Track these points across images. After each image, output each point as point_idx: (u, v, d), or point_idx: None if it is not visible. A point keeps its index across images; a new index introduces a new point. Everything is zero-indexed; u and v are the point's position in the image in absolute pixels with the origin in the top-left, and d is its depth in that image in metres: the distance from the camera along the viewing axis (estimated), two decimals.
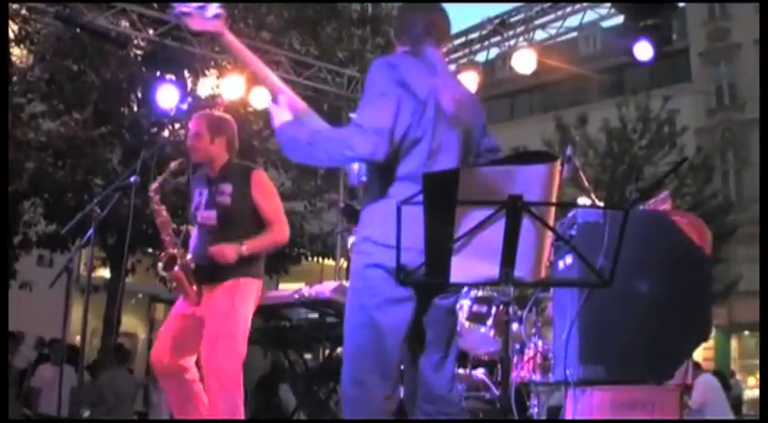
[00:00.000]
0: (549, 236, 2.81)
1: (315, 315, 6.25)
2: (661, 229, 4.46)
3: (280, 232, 4.83)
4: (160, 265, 4.83)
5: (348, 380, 3.09)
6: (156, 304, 18.80)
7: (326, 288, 6.92)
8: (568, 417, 4.30)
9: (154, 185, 4.90)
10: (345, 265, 10.76)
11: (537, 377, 5.35)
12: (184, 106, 10.17)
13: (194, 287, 4.73)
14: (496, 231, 2.66)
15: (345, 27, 13.94)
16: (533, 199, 2.64)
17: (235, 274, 4.66)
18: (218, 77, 10.83)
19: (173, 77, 9.53)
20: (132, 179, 4.91)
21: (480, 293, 5.67)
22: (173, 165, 4.99)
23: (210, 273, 4.68)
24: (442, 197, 2.61)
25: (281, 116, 3.23)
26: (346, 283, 6.90)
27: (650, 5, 8.00)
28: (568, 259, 4.40)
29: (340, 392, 7.50)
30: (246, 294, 4.72)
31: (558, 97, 30.60)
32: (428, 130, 3.12)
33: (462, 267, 2.73)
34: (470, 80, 8.97)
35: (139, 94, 12.56)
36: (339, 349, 6.57)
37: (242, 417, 4.60)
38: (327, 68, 11.20)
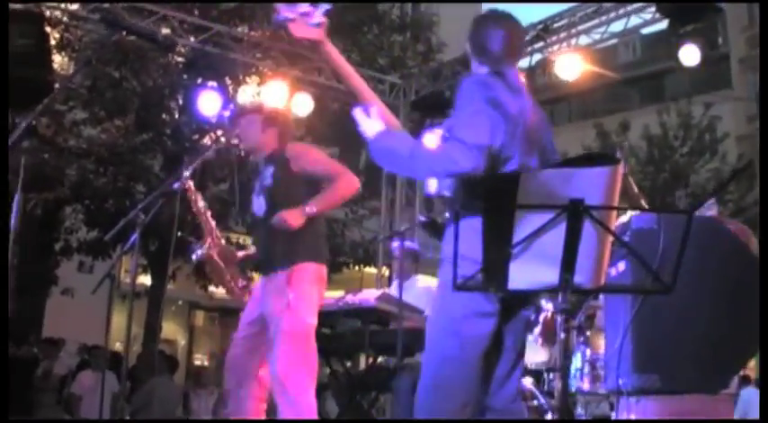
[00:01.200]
0: (610, 241, 2.75)
1: (357, 323, 6.19)
2: (717, 236, 4.33)
3: (344, 181, 4.67)
4: (196, 252, 4.82)
5: (426, 386, 3.15)
6: (196, 311, 18.90)
7: (371, 296, 6.87)
8: None
9: (187, 172, 4.90)
10: (387, 272, 10.72)
11: (585, 386, 5.27)
12: (226, 113, 10.20)
13: (238, 279, 4.71)
14: (556, 236, 2.60)
15: (386, 33, 13.93)
16: (594, 203, 2.59)
17: (288, 262, 4.57)
18: (258, 84, 10.84)
19: (214, 84, 9.52)
20: (176, 185, 4.89)
21: None
22: (208, 153, 5.07)
23: (265, 264, 4.67)
24: (501, 201, 2.55)
25: (374, 126, 3.24)
26: (389, 291, 6.88)
27: (695, 10, 7.89)
28: (621, 266, 4.28)
29: (383, 401, 7.42)
30: (304, 282, 4.58)
31: (597, 104, 30.36)
32: (516, 151, 3.16)
33: (521, 274, 2.69)
34: None
35: (180, 101, 12.62)
36: (381, 358, 6.52)
37: None
38: (369, 75, 11.15)
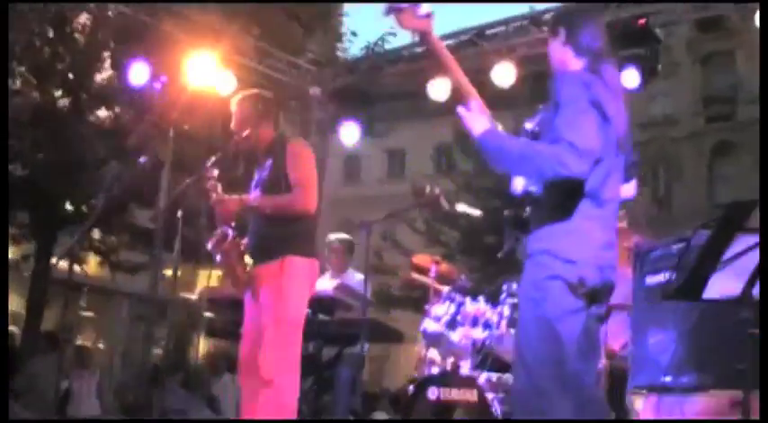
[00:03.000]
0: None
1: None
2: None
3: (299, 197, 4.70)
4: (210, 243, 4.80)
5: (529, 391, 3.17)
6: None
7: (328, 286, 7.04)
8: None
9: (209, 162, 4.88)
10: None
11: None
12: (156, 85, 9.95)
13: (242, 269, 4.72)
14: (753, 255, 2.93)
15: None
16: None
17: (280, 253, 4.61)
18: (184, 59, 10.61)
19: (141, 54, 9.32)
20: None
21: (515, 301, 5.86)
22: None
23: (256, 253, 4.70)
24: (733, 224, 2.85)
25: (479, 123, 3.32)
26: (350, 281, 7.07)
27: (636, 35, 8.43)
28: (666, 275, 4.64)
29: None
30: (294, 275, 4.65)
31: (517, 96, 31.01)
32: (609, 152, 3.26)
33: (714, 285, 3.00)
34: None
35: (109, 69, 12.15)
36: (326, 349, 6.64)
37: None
38: (286, 60, 11.15)
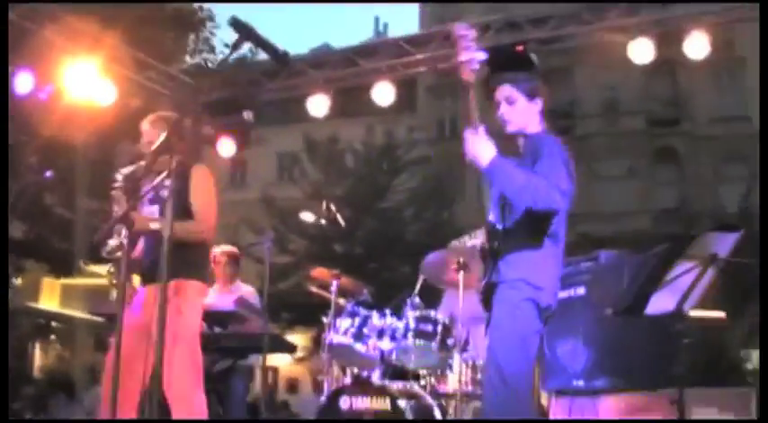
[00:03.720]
0: None
1: None
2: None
3: (200, 226, 4.78)
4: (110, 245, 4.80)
5: (503, 390, 3.67)
6: None
7: (227, 301, 7.19)
8: None
9: (120, 173, 4.95)
10: None
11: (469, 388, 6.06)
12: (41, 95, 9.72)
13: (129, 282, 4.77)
14: (689, 275, 3.41)
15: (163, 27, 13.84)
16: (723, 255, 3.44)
17: (177, 276, 4.58)
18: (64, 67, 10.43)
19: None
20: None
21: (419, 313, 6.22)
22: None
23: (152, 272, 4.71)
24: (676, 253, 3.33)
25: (487, 149, 3.75)
26: (249, 297, 7.23)
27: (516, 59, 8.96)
28: (580, 290, 5.17)
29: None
30: (191, 297, 4.78)
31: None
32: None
33: (654, 302, 3.47)
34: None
35: None
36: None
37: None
38: (161, 71, 11.14)
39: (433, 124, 31.68)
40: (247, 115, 3.87)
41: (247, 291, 7.80)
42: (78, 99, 9.92)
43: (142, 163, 5.02)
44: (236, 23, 3.29)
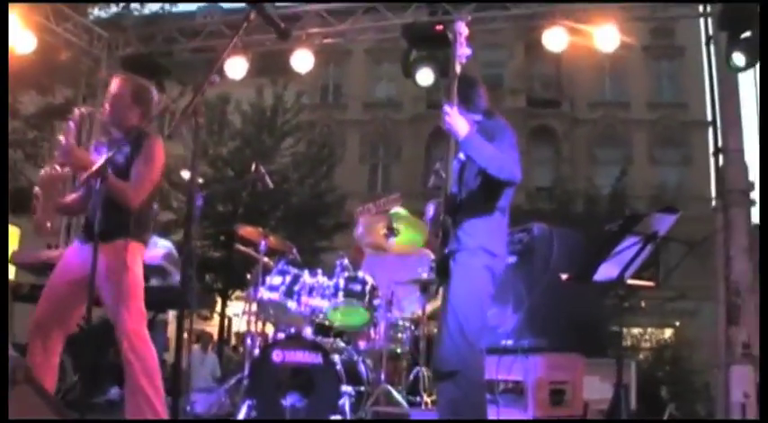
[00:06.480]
0: None
1: None
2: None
3: (130, 190, 4.82)
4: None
5: (460, 343, 4.11)
6: None
7: (157, 255, 7.37)
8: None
9: (77, 111, 5.11)
10: None
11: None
12: None
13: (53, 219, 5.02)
14: (632, 249, 3.94)
15: None
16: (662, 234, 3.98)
17: (122, 236, 4.79)
18: None
19: None
20: None
21: (348, 275, 6.59)
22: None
23: (95, 230, 4.69)
24: (628, 229, 3.83)
25: (463, 124, 4.21)
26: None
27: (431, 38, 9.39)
28: (511, 259, 5.65)
29: None
30: (134, 256, 4.88)
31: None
32: None
33: (601, 271, 3.98)
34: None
35: None
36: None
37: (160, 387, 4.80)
38: (81, 25, 11.10)
39: (317, 90, 31.80)
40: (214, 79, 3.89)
41: (166, 245, 7.92)
42: None
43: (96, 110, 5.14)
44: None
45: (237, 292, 20.74)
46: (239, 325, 21.84)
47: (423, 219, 5.24)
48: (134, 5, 15.02)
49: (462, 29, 4.37)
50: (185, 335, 4.52)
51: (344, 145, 30.97)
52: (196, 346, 13.67)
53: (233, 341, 24.22)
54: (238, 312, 21.31)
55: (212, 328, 21.76)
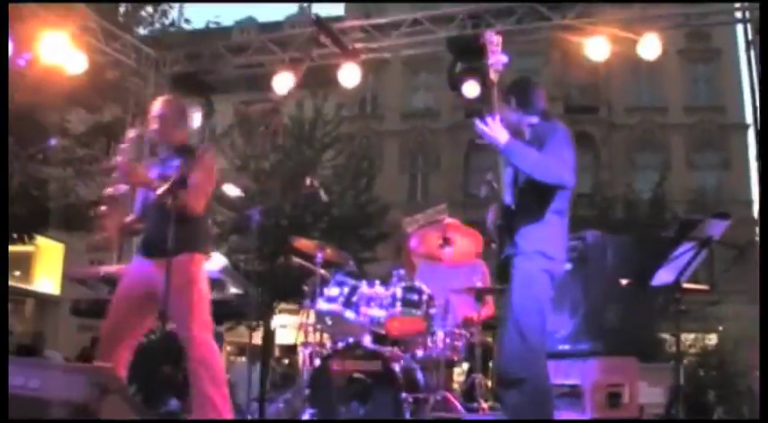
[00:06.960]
0: None
1: None
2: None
3: (193, 200, 4.98)
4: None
5: (524, 350, 4.18)
6: None
7: (215, 268, 7.53)
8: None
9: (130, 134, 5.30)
10: None
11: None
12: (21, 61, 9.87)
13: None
14: (687, 254, 4.09)
15: None
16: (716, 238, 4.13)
17: (186, 250, 4.94)
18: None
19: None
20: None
21: (405, 284, 6.72)
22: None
23: (157, 246, 4.91)
24: (684, 234, 3.99)
25: (502, 133, 4.26)
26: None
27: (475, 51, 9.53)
28: (567, 266, 5.79)
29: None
30: (201, 268, 5.10)
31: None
32: None
33: (659, 276, 4.13)
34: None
35: None
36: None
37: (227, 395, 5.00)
38: (128, 43, 11.38)
39: (355, 102, 31.97)
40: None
41: (221, 258, 8.10)
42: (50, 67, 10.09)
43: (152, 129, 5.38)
44: (318, 21, 3.78)
45: (282, 305, 20.93)
46: (284, 337, 22.12)
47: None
48: (178, 21, 15.29)
49: (493, 37, 4.47)
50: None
51: (383, 155, 31.17)
52: (242, 359, 13.82)
53: (276, 353, 24.38)
54: (285, 324, 21.81)
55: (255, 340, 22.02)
